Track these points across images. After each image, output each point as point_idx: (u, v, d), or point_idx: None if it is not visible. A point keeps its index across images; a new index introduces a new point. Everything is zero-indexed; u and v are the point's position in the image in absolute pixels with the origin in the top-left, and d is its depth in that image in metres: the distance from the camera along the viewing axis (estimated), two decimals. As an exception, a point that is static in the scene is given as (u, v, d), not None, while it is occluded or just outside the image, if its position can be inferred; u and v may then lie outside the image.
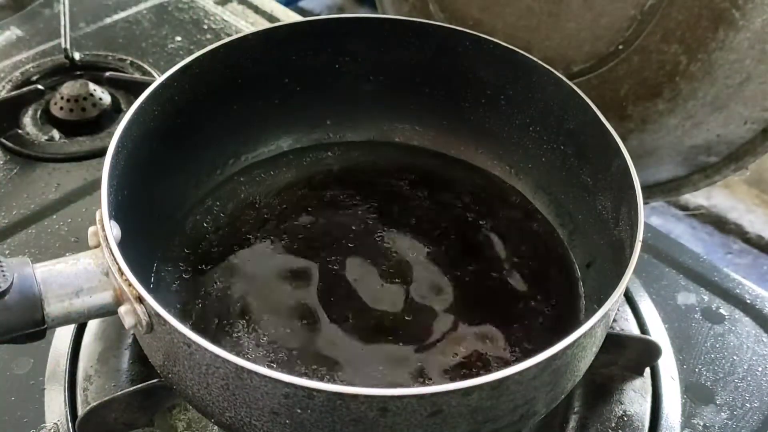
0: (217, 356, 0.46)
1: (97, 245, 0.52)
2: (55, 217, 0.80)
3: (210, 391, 0.49)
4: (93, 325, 0.68)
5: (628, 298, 0.74)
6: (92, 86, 0.91)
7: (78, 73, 0.97)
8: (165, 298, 0.64)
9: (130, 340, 0.67)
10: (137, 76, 0.97)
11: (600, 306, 0.51)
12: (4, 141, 0.88)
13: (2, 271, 0.49)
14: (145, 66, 0.99)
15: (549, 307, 0.66)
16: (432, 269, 0.68)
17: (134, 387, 0.60)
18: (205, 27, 1.07)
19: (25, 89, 0.91)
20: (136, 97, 0.63)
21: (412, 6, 0.89)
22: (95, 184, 0.83)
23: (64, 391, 0.64)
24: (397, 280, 0.67)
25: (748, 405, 0.67)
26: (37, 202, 0.82)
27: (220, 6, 1.11)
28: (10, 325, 0.50)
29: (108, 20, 1.07)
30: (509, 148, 0.76)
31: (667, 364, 0.69)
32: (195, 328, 0.61)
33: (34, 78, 0.96)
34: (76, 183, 0.84)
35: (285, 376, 0.45)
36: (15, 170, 0.85)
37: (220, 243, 0.69)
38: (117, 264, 0.50)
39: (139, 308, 0.49)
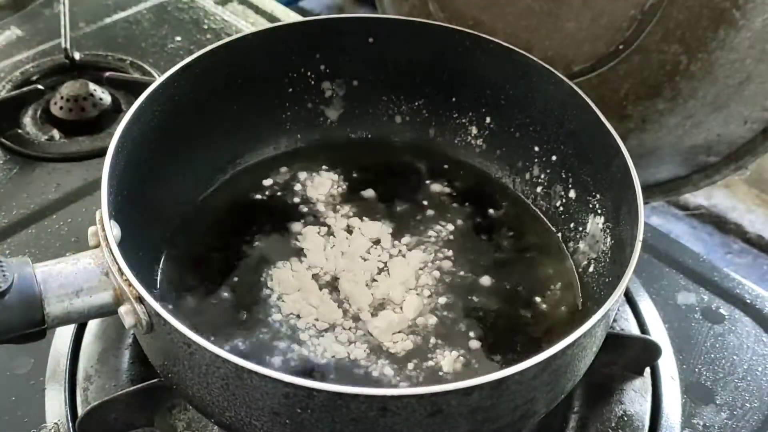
0: (217, 356, 0.46)
1: (97, 245, 0.52)
2: (55, 217, 0.80)
3: (210, 390, 0.49)
4: (93, 325, 0.68)
5: (628, 298, 0.74)
6: (92, 86, 0.91)
7: (78, 72, 0.97)
8: (165, 298, 0.64)
9: (130, 340, 0.67)
10: (137, 76, 0.97)
11: (600, 306, 0.51)
12: (4, 141, 0.88)
13: (2, 271, 0.49)
14: (145, 66, 0.99)
15: (548, 307, 0.66)
16: (430, 267, 0.68)
17: (134, 387, 0.60)
18: (205, 27, 1.07)
19: (25, 89, 0.91)
20: (136, 97, 0.63)
21: (412, 6, 0.89)
22: (95, 184, 0.83)
23: (65, 391, 0.64)
24: (396, 278, 0.67)
25: (748, 405, 0.67)
26: (37, 201, 0.82)
27: (220, 6, 1.11)
28: (10, 325, 0.50)
29: (108, 20, 1.07)
30: (509, 148, 0.76)
31: (667, 363, 0.69)
32: (195, 328, 0.62)
33: (34, 78, 0.96)
34: (76, 183, 0.84)
35: (285, 376, 0.45)
36: (15, 170, 0.85)
37: (221, 242, 0.69)
38: (117, 264, 0.50)
39: (139, 308, 0.49)
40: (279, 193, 0.75)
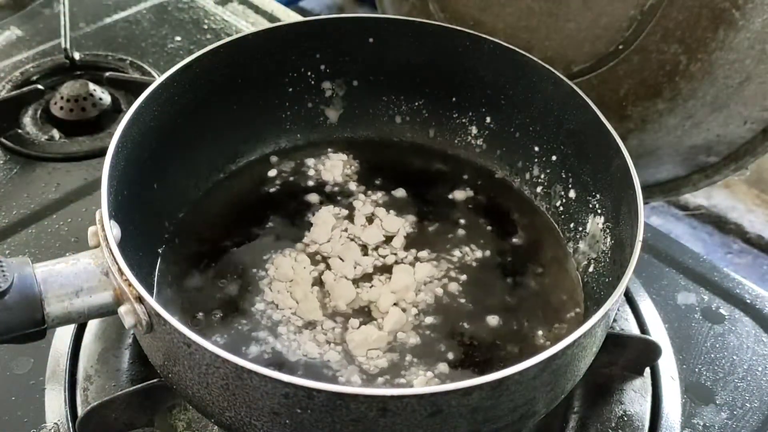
0: (217, 356, 0.46)
1: (97, 245, 0.52)
2: (55, 216, 0.80)
3: (210, 391, 0.49)
4: (93, 325, 0.68)
5: (628, 298, 0.74)
6: (92, 86, 0.91)
7: (78, 72, 0.98)
8: (165, 298, 0.64)
9: (130, 340, 0.67)
10: (137, 76, 0.97)
11: (600, 306, 0.51)
12: (4, 141, 0.88)
13: (2, 271, 0.49)
14: (145, 66, 0.99)
15: (543, 341, 0.65)
16: (430, 267, 0.68)
17: (134, 387, 0.60)
18: (205, 27, 1.07)
19: (25, 89, 0.91)
20: (136, 97, 0.63)
21: (412, 6, 0.89)
22: (95, 184, 0.83)
23: (64, 391, 0.64)
24: (393, 284, 0.67)
25: (748, 405, 0.67)
26: (37, 201, 0.82)
27: (220, 6, 1.11)
28: (10, 325, 0.50)
29: (108, 20, 1.07)
30: (509, 148, 0.76)
31: (667, 363, 0.69)
32: (195, 328, 0.62)
33: (34, 78, 0.96)
34: (76, 183, 0.84)
35: (285, 376, 0.45)
36: (15, 170, 0.85)
37: (221, 242, 0.69)
38: (117, 264, 0.50)
39: (139, 308, 0.49)
40: (291, 178, 0.76)
